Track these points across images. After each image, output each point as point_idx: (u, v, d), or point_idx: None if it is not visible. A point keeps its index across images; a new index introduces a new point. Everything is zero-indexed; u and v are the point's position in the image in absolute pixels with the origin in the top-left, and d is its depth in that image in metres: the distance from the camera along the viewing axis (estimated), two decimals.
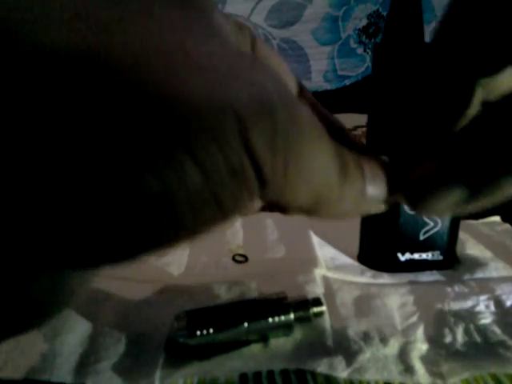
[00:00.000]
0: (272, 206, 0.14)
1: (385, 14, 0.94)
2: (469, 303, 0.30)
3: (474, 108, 0.15)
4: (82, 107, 0.09)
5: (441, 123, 0.16)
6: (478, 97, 0.15)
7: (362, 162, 0.15)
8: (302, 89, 0.18)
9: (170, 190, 0.10)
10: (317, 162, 0.12)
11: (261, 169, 0.11)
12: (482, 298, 0.30)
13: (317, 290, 0.31)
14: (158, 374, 0.24)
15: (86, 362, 0.24)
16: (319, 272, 0.33)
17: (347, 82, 1.08)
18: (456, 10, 0.14)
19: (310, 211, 0.14)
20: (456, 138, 0.16)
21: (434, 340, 0.26)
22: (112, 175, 0.09)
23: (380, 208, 0.16)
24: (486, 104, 0.15)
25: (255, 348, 0.25)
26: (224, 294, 0.31)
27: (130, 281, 0.32)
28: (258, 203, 0.16)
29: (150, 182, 0.10)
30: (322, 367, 0.24)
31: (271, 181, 0.11)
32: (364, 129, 0.71)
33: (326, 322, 0.27)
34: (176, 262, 0.36)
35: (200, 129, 0.10)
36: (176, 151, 0.10)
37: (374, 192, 0.15)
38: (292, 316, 0.26)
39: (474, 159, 0.14)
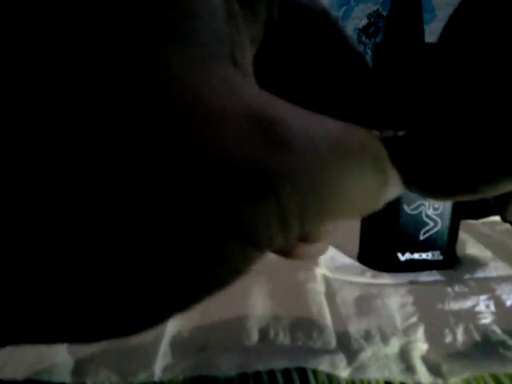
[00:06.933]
0: None
1: (385, 14, 0.94)
2: (469, 303, 0.30)
3: None
4: None
5: None
6: None
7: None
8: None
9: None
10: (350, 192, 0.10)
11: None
12: (482, 297, 0.30)
13: (318, 287, 0.31)
14: (158, 365, 0.24)
15: (85, 362, 0.24)
16: (319, 271, 0.34)
17: None
18: None
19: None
20: None
21: (435, 340, 0.26)
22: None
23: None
24: None
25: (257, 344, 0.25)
26: None
27: None
28: None
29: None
30: (323, 365, 0.24)
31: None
32: None
33: (328, 320, 0.27)
34: None
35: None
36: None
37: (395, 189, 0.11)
38: None
39: None
